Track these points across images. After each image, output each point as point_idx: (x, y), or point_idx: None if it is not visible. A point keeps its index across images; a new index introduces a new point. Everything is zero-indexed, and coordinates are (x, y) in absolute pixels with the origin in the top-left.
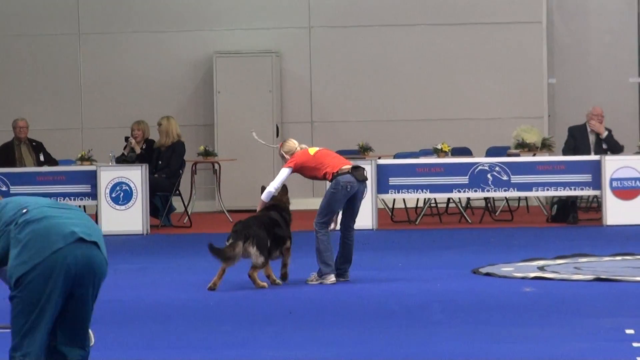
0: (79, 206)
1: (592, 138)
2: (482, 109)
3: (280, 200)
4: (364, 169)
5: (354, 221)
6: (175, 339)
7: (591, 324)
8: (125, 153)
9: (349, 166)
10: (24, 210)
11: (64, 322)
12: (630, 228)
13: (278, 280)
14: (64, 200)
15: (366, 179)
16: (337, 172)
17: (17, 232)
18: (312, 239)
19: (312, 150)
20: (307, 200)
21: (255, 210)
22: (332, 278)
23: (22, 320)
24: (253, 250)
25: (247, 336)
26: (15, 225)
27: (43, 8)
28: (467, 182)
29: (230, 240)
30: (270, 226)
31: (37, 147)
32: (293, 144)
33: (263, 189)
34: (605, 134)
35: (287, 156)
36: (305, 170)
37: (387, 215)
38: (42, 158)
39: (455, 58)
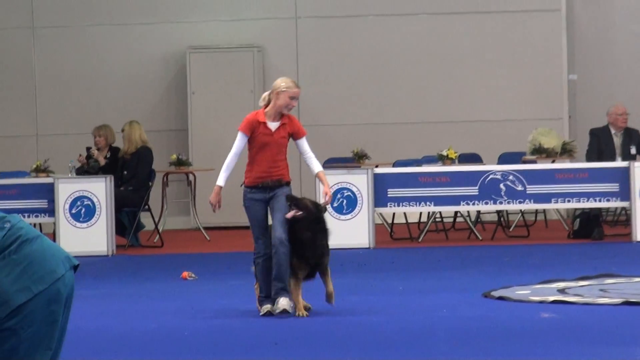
0: (34, 224)
1: (617, 141)
2: (494, 109)
3: None
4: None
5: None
6: None
7: (619, 354)
8: (85, 167)
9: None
10: (7, 225)
11: None
12: None
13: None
14: None
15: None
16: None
17: (13, 251)
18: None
19: (260, 115)
20: None
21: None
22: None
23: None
24: None
25: None
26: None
27: None
28: (476, 193)
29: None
30: None
31: None
32: (278, 82)
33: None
34: None
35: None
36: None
37: (386, 232)
38: None
39: (462, 52)
